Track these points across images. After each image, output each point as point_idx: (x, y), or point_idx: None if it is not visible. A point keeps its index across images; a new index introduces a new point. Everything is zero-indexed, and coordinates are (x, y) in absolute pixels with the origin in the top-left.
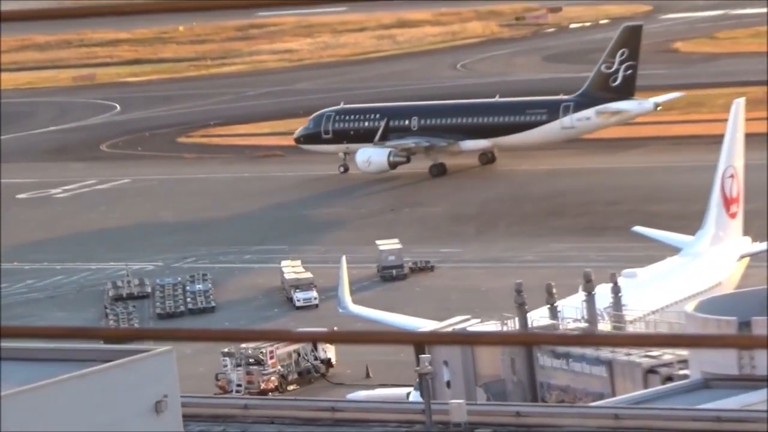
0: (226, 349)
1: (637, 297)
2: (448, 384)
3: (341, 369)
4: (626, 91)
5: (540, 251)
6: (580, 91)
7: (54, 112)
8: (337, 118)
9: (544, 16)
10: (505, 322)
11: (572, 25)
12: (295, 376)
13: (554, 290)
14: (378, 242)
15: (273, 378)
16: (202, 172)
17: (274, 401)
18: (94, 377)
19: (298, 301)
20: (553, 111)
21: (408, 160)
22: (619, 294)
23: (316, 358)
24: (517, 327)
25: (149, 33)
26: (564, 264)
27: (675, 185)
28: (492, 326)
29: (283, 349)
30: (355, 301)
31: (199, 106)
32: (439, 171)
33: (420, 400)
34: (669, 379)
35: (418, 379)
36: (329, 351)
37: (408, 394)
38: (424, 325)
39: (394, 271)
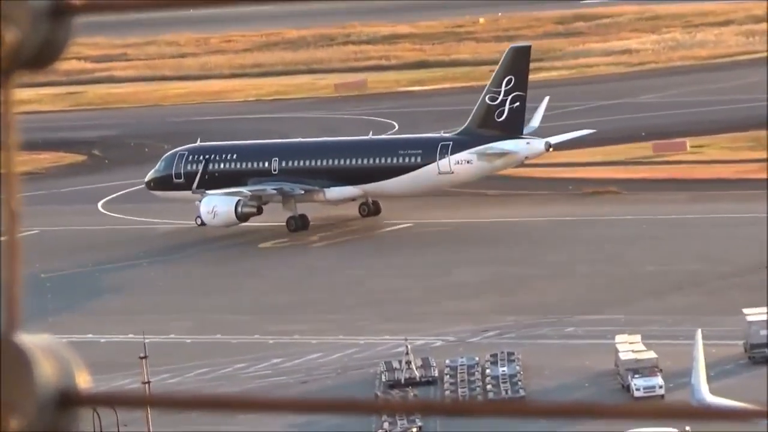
0: None
1: None
2: None
3: None
4: (513, 127)
5: None
6: (461, 129)
7: (310, 131)
8: (191, 158)
9: None
10: None
11: None
12: None
13: None
14: (745, 311)
15: None
16: (509, 215)
17: None
18: None
19: (638, 389)
20: (429, 152)
21: (259, 211)
22: None
23: None
24: None
25: (438, 26)
26: None
27: None
28: None
29: None
30: (714, 391)
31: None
32: (298, 225)
33: None
34: None
35: None
36: None
37: None
38: None
39: (767, 350)
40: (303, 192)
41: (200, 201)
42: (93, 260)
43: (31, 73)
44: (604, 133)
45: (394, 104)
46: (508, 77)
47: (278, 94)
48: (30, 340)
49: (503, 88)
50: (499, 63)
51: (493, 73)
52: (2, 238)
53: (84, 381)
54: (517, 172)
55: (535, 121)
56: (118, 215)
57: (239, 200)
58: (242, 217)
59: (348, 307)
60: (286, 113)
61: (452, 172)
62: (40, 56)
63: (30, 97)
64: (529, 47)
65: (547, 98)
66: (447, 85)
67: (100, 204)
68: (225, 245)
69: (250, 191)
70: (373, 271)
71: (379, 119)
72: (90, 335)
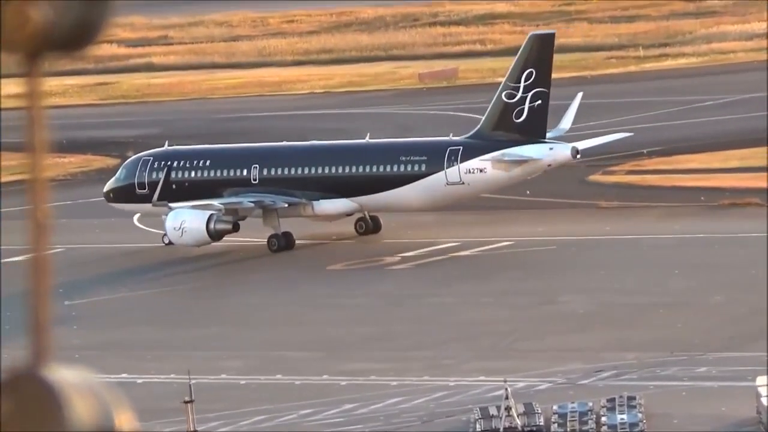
0: None
1: None
2: None
3: None
4: (534, 129)
5: None
6: (473, 131)
7: (388, 130)
8: (156, 165)
9: None
10: None
11: None
12: None
13: None
14: None
15: None
16: (626, 231)
17: None
18: None
19: None
20: (435, 159)
21: (235, 228)
22: None
23: None
24: None
25: (543, 4)
26: None
27: None
28: None
29: None
30: None
31: (622, 122)
32: (281, 245)
33: None
34: None
35: None
36: None
37: None
38: None
39: None
40: (287, 205)
41: (166, 216)
42: (128, 284)
43: (62, 58)
44: (743, 133)
45: (490, 97)
46: (528, 70)
47: (350, 86)
48: (60, 375)
49: (522, 84)
50: (518, 54)
51: (510, 66)
52: (28, 256)
53: (125, 423)
54: (636, 180)
55: (566, 122)
56: (158, 231)
57: (212, 215)
58: (215, 235)
59: (436, 341)
60: (360, 108)
61: (463, 183)
62: (73, 38)
63: (53, 88)
64: (553, 35)
65: (580, 94)
66: (554, 75)
67: (136, 217)
68: (285, 267)
69: (223, 204)
70: (466, 299)
71: (471, 115)
72: (125, 375)
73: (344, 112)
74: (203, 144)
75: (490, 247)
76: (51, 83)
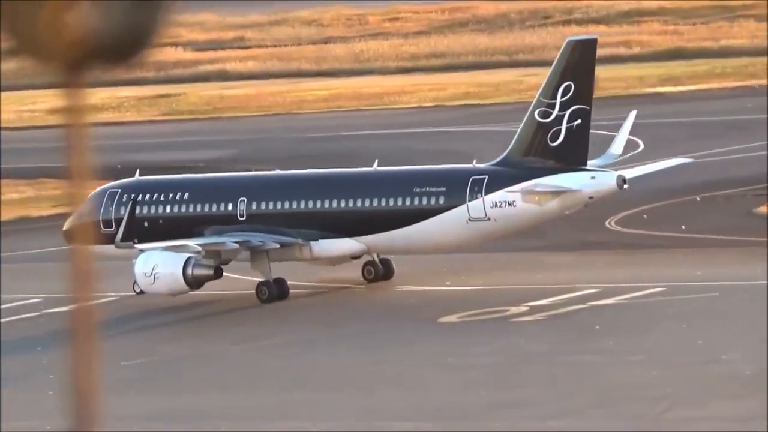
0: None
1: None
2: None
3: None
4: (573, 155)
5: None
6: (501, 157)
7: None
8: (125, 198)
9: None
10: None
11: None
12: None
13: None
14: None
15: None
16: None
17: None
18: None
19: None
20: (455, 190)
21: (217, 274)
22: None
23: None
24: None
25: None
26: None
27: None
28: None
29: None
30: None
31: None
32: (272, 294)
33: None
34: None
35: None
36: None
37: None
38: None
39: None
40: (279, 246)
41: (135, 259)
42: (196, 341)
43: (109, 68)
44: None
45: (637, 112)
46: (566, 84)
47: (467, 98)
48: None
49: (559, 100)
50: (554, 63)
51: (545, 79)
52: (69, 308)
53: None
54: None
55: (617, 146)
56: (233, 275)
57: (189, 258)
58: (193, 282)
59: (573, 409)
60: (478, 126)
61: (488, 218)
62: (123, 44)
63: (104, 101)
64: (595, 40)
65: (633, 113)
66: (714, 85)
67: None
68: (386, 318)
69: (202, 245)
70: (610, 358)
71: (613, 134)
72: None
73: (459, 129)
74: (182, 174)
75: (638, 294)
76: (101, 95)
